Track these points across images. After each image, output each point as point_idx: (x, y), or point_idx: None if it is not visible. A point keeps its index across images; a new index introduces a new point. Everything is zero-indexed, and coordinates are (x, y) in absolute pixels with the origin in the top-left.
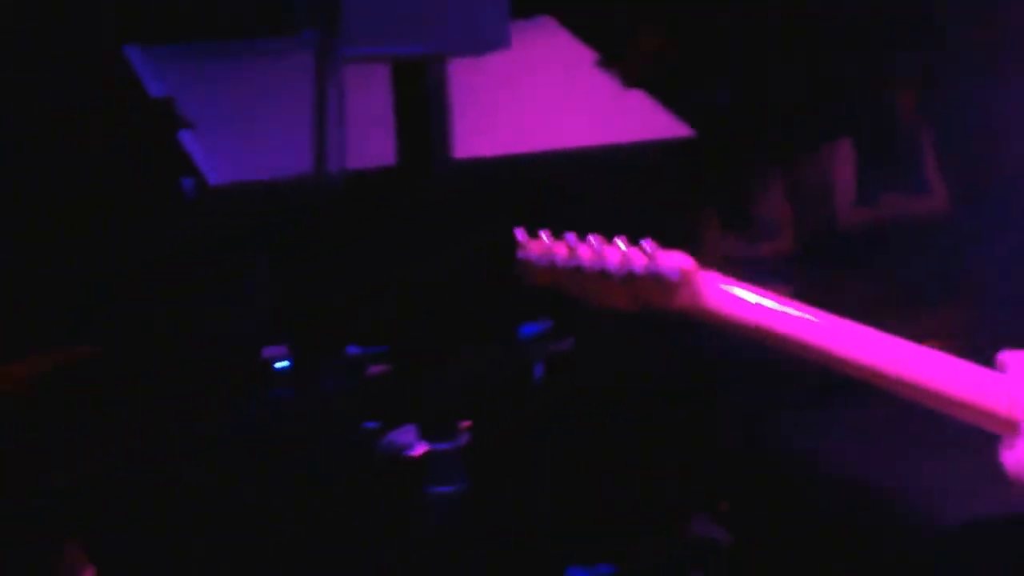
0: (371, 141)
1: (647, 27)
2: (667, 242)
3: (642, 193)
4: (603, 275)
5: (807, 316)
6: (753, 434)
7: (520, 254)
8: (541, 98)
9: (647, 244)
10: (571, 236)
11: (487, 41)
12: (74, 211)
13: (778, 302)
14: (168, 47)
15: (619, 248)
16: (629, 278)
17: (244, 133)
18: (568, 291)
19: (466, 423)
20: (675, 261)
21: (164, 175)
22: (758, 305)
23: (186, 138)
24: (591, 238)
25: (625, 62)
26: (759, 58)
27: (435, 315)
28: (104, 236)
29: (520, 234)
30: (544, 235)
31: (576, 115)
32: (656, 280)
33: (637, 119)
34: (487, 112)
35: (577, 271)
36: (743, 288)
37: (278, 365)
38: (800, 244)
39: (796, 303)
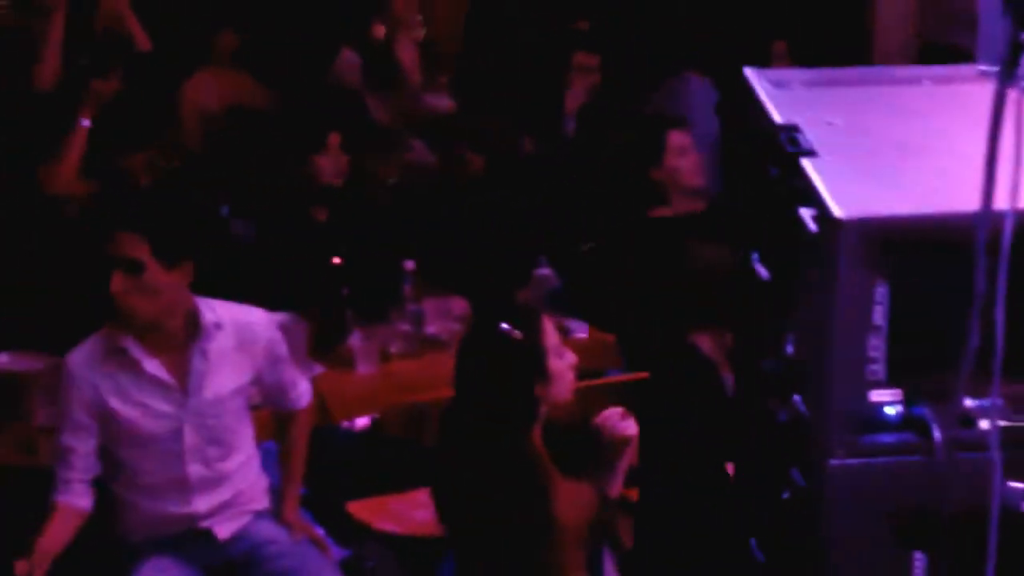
0: None
1: None
2: None
3: None
4: None
5: None
6: None
7: None
8: None
9: None
10: None
11: None
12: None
13: None
14: (795, 71)
15: None
16: None
17: (876, 165)
18: None
19: None
20: None
21: (783, 204)
22: None
23: (810, 168)
24: None
25: None
26: None
27: None
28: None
29: None
30: None
31: None
32: None
33: None
34: None
35: None
36: None
37: (888, 411)
38: None
39: None
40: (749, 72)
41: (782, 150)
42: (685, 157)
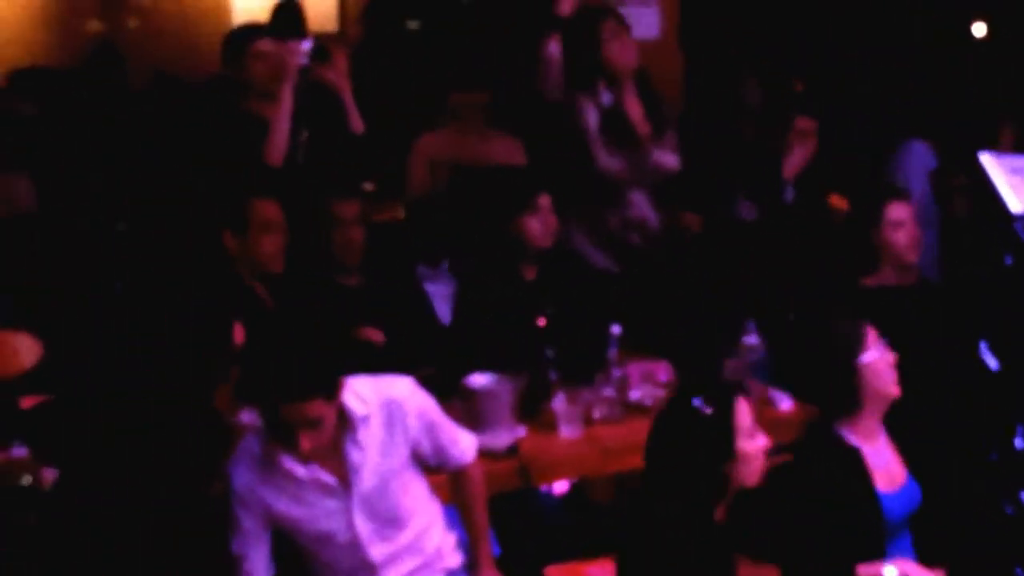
0: None
1: None
2: None
3: None
4: None
5: None
6: None
7: None
8: None
9: None
10: None
11: None
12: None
13: None
14: None
15: None
16: None
17: None
18: None
19: None
20: None
21: (1018, 294)
22: None
23: None
24: None
25: None
26: None
27: None
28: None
29: None
30: None
31: None
32: None
33: None
34: None
35: None
36: None
37: None
38: None
39: None
40: (985, 158)
41: (1018, 239)
42: (901, 230)
